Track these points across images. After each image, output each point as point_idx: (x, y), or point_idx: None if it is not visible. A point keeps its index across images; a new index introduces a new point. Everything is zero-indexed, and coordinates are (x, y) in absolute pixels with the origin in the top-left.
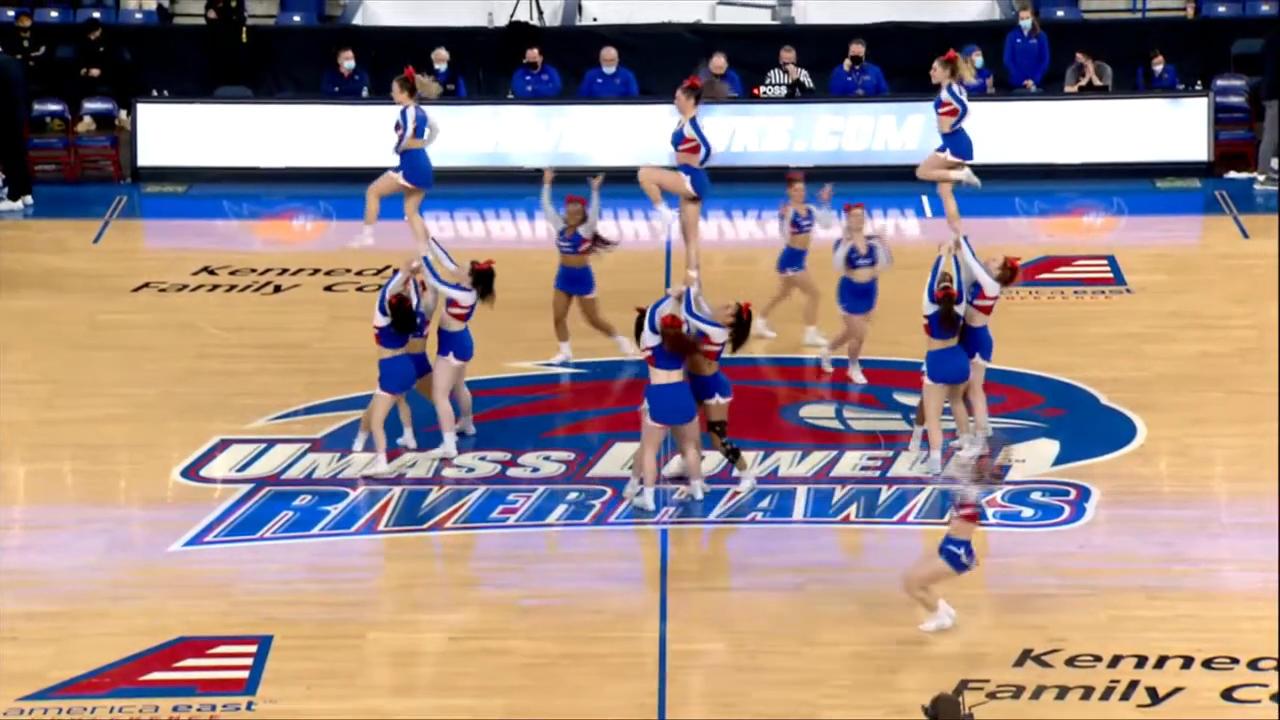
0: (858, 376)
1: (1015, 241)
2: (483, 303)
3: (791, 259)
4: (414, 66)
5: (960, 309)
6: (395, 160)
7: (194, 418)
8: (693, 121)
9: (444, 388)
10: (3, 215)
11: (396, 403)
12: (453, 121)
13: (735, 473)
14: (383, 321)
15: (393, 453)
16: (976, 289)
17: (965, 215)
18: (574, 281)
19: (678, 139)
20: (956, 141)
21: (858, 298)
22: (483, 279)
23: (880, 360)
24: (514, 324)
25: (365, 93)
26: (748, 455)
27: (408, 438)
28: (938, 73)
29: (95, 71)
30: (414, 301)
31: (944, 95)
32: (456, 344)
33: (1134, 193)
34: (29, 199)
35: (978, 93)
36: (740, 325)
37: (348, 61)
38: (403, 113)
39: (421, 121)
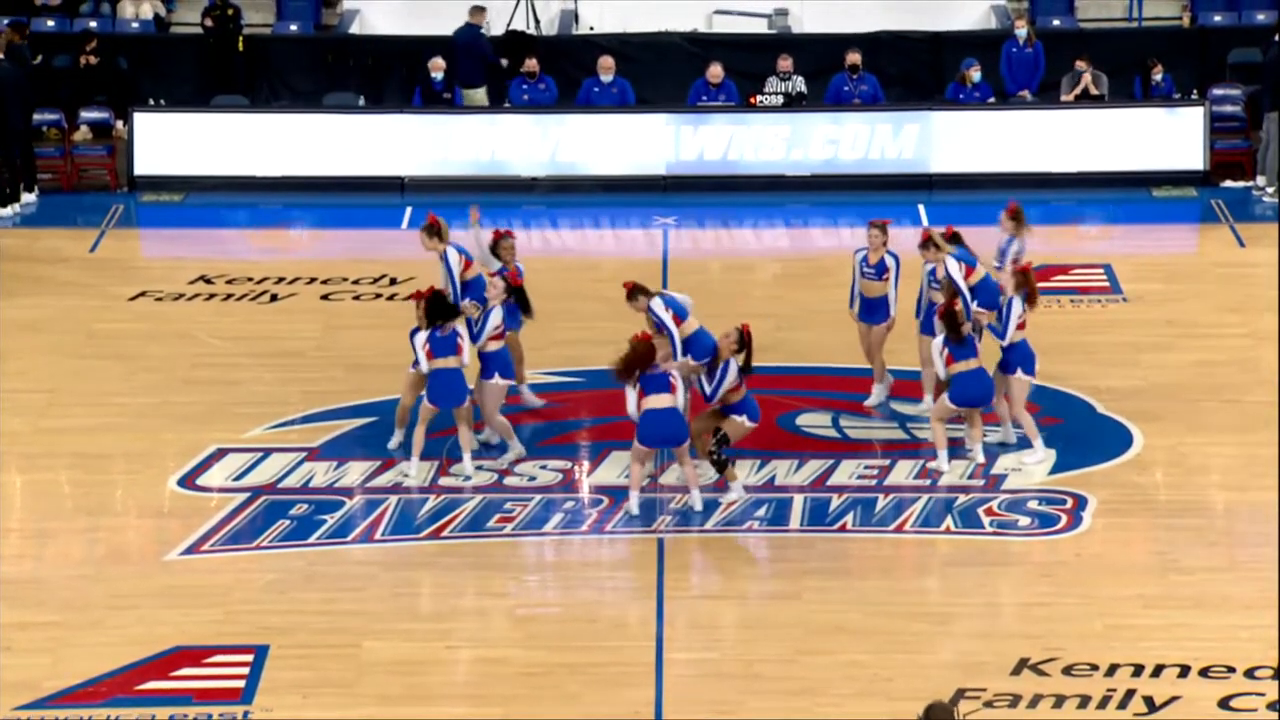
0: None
1: None
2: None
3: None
4: (409, 76)
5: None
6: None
7: (190, 427)
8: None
9: (495, 407)
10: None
11: (458, 430)
12: (449, 130)
13: (727, 481)
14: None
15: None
16: (1008, 309)
17: (962, 223)
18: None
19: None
20: (986, 290)
21: (866, 309)
22: (518, 293)
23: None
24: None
25: (361, 101)
26: (745, 463)
27: (466, 464)
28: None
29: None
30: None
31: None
32: (500, 364)
33: (1130, 202)
34: (17, 206)
35: (975, 102)
36: (746, 349)
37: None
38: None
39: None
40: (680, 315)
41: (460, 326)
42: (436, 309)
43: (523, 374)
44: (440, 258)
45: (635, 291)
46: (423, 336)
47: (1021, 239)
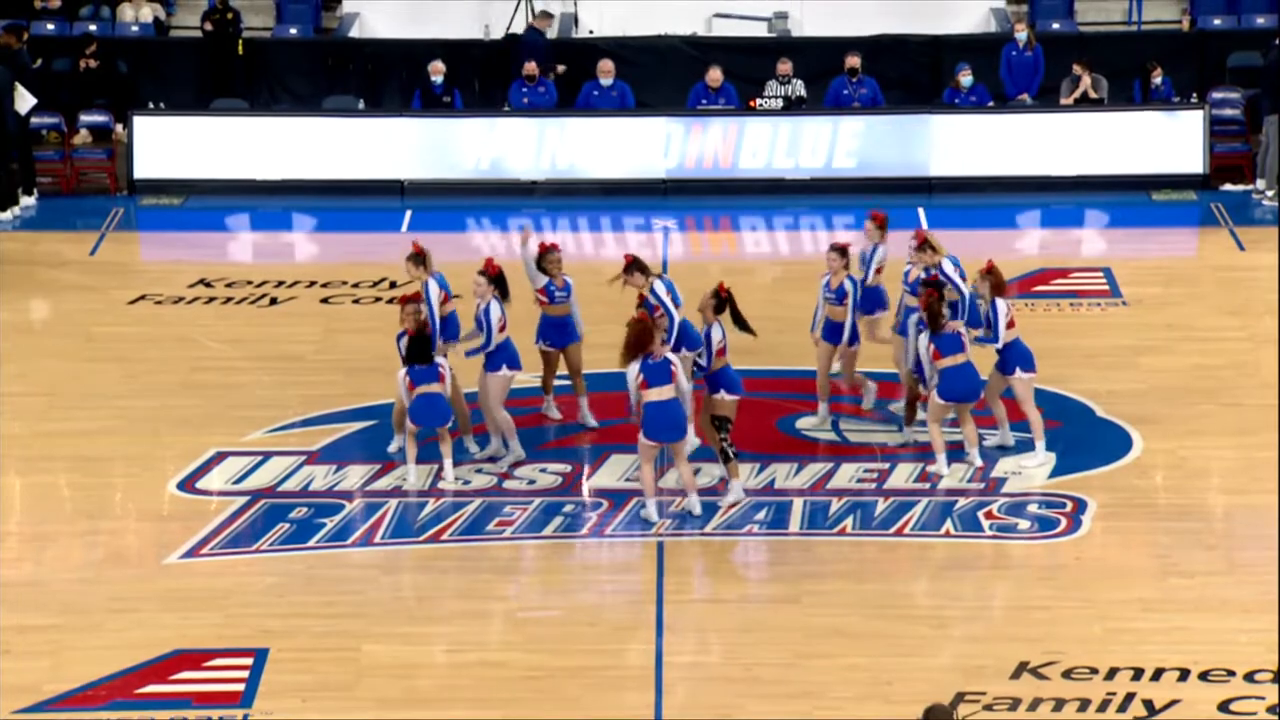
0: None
1: (1011, 254)
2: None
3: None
4: (409, 79)
5: (957, 325)
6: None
7: (190, 430)
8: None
9: (498, 399)
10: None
11: (439, 441)
12: (449, 134)
13: (728, 481)
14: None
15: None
16: (993, 312)
17: (961, 227)
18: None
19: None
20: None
21: (830, 331)
22: (498, 282)
23: (876, 373)
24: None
25: (361, 104)
26: (745, 466)
27: (446, 470)
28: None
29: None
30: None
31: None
32: (506, 356)
33: (1130, 205)
34: (17, 210)
35: (971, 105)
36: (728, 306)
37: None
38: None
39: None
40: (678, 303)
41: (441, 356)
42: (414, 353)
43: (550, 385)
44: (422, 287)
45: (633, 266)
46: (401, 372)
47: (884, 246)
